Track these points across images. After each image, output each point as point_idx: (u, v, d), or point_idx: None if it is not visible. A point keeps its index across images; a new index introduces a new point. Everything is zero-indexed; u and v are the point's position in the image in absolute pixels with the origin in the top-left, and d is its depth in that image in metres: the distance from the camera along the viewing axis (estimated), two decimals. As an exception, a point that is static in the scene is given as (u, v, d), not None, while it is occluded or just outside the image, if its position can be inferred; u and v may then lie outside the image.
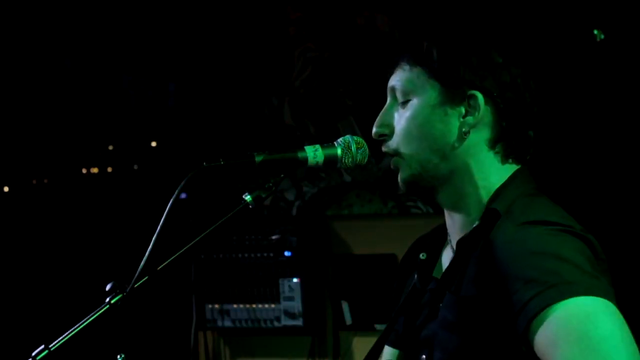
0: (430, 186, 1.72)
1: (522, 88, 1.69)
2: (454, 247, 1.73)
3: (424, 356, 1.71)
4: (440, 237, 1.83)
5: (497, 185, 1.69)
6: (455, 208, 1.73)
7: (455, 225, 1.74)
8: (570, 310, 1.40)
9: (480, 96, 1.67)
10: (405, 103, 1.73)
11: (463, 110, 1.68)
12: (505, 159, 1.70)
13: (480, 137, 1.69)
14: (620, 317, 1.41)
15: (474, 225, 1.67)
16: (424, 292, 1.78)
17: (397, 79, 1.74)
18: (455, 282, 1.65)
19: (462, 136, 1.68)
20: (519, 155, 1.71)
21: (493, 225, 1.61)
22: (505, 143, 1.70)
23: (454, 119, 1.69)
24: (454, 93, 1.68)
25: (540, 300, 1.42)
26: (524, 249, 1.50)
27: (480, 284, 1.57)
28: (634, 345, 1.38)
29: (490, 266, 1.54)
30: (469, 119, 1.68)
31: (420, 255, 1.80)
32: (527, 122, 1.70)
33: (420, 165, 1.70)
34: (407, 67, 1.73)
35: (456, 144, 1.69)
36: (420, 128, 1.70)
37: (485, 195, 1.69)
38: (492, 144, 1.69)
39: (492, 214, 1.63)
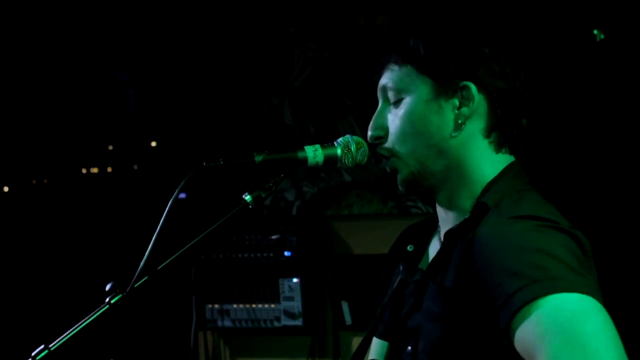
0: (429, 184, 1.73)
1: (512, 77, 1.70)
2: (442, 239, 1.73)
3: (409, 347, 1.71)
4: (429, 228, 1.84)
5: (490, 179, 1.69)
6: (450, 204, 1.73)
7: (447, 218, 1.75)
8: (556, 306, 1.39)
9: (473, 86, 1.68)
10: (397, 102, 1.73)
11: (457, 102, 1.69)
12: (499, 148, 1.71)
13: (475, 127, 1.70)
14: (606, 314, 1.40)
15: (464, 218, 1.67)
16: (409, 284, 1.78)
17: (387, 79, 1.75)
18: (440, 273, 1.66)
19: (458, 127, 1.68)
20: (513, 144, 1.72)
21: (481, 218, 1.61)
22: (499, 132, 1.71)
23: (449, 111, 1.70)
24: (446, 86, 1.69)
25: (523, 295, 1.42)
26: (509, 242, 1.50)
27: (464, 275, 1.57)
28: (620, 343, 1.37)
29: (475, 258, 1.54)
30: (464, 110, 1.69)
31: (408, 247, 1.81)
32: (521, 109, 1.71)
33: (419, 162, 1.71)
34: (395, 67, 1.73)
35: (453, 136, 1.69)
36: (415, 125, 1.70)
37: (478, 189, 1.69)
38: (487, 133, 1.71)
39: (481, 207, 1.64)
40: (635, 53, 3.52)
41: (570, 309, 1.39)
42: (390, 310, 1.82)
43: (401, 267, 1.81)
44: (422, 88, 1.70)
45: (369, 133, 1.76)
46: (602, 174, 3.57)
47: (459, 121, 1.68)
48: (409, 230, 1.90)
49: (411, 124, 1.70)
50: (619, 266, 3.40)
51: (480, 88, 1.69)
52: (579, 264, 1.47)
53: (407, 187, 1.74)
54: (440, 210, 1.77)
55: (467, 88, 1.68)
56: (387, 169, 1.76)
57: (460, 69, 1.68)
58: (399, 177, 1.74)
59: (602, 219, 3.48)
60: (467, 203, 1.70)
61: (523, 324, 1.41)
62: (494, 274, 1.48)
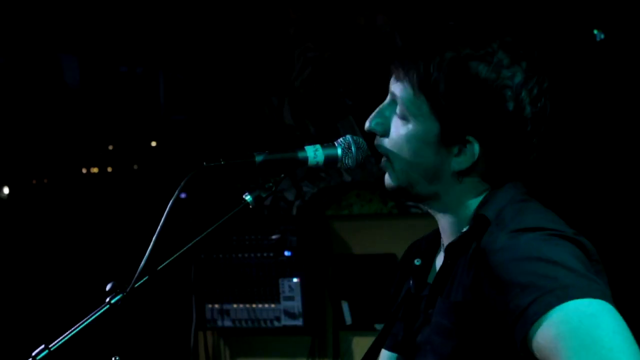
0: (414, 196, 1.73)
1: (526, 133, 1.65)
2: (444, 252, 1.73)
3: None
4: (434, 241, 1.83)
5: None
6: (444, 216, 1.73)
7: (445, 230, 1.74)
8: (570, 313, 1.40)
9: (476, 145, 1.64)
10: (402, 117, 1.70)
11: (456, 150, 1.66)
12: (497, 187, 1.69)
13: (470, 174, 1.68)
14: (620, 317, 1.41)
15: (463, 231, 1.67)
16: (418, 298, 1.78)
17: (400, 92, 1.69)
18: (446, 287, 1.66)
19: (452, 174, 1.67)
20: (512, 182, 1.70)
21: (483, 232, 1.60)
22: (497, 180, 1.68)
23: (446, 156, 1.66)
24: (450, 134, 1.65)
25: (538, 307, 1.42)
26: (517, 255, 1.49)
27: (472, 290, 1.57)
28: (635, 344, 1.39)
29: (483, 273, 1.53)
30: (462, 162, 1.66)
31: (415, 261, 1.80)
32: (522, 166, 1.68)
33: (408, 182, 1.70)
34: (411, 88, 1.67)
35: (445, 178, 1.68)
36: (412, 153, 1.68)
37: (474, 206, 1.69)
38: (484, 179, 1.68)
39: (481, 220, 1.63)
40: (635, 53, 3.52)
41: (584, 314, 1.40)
42: (401, 324, 1.82)
43: (411, 282, 1.81)
44: (430, 127, 1.66)
45: (367, 124, 1.74)
46: (602, 174, 3.57)
47: (454, 169, 1.66)
48: (415, 244, 1.90)
49: (408, 151, 1.68)
50: (621, 269, 3.39)
51: (484, 147, 1.64)
52: (587, 269, 1.48)
53: (392, 194, 1.74)
54: (438, 221, 1.77)
55: (470, 143, 1.64)
56: (380, 166, 1.75)
57: (471, 125, 1.63)
58: (385, 181, 1.74)
59: (604, 220, 3.47)
60: (463, 215, 1.69)
61: (540, 335, 1.42)
62: (505, 288, 1.48)
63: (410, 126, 1.68)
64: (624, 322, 1.41)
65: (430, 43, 1.67)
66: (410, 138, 1.68)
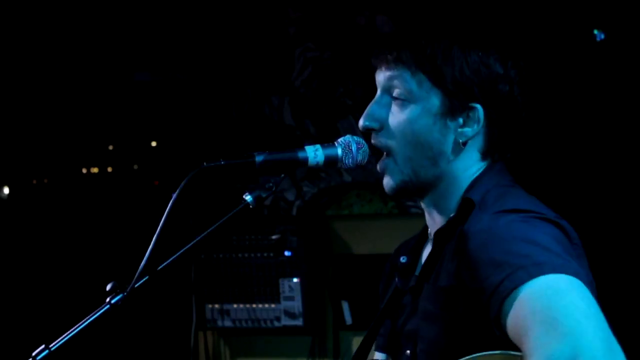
0: (416, 190, 1.75)
1: (516, 96, 1.70)
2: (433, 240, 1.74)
3: (408, 351, 1.71)
4: (420, 239, 1.85)
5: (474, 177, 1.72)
6: (436, 206, 1.75)
7: (434, 220, 1.76)
8: (537, 287, 1.41)
9: (480, 109, 1.68)
10: (402, 102, 1.72)
11: (461, 121, 1.69)
12: (492, 162, 1.73)
13: (473, 146, 1.71)
14: (586, 291, 1.40)
15: (450, 216, 1.69)
16: (405, 293, 1.78)
17: (395, 76, 1.73)
18: (433, 273, 1.67)
19: (460, 147, 1.69)
20: (504, 158, 1.74)
21: (468, 215, 1.63)
22: (497, 153, 1.72)
23: (452, 130, 1.70)
24: (455, 104, 1.68)
25: (510, 282, 1.43)
26: (495, 235, 1.52)
27: (456, 274, 1.59)
28: (600, 319, 1.37)
29: (465, 255, 1.55)
30: (467, 130, 1.69)
31: (401, 259, 1.81)
32: (517, 130, 1.72)
33: (413, 171, 1.71)
34: (407, 70, 1.72)
35: (451, 153, 1.70)
36: (417, 134, 1.70)
37: (462, 190, 1.72)
38: (484, 151, 1.72)
39: (467, 203, 1.66)
40: (635, 53, 3.52)
41: (547, 288, 1.40)
42: (389, 321, 1.82)
43: (396, 279, 1.81)
44: (433, 100, 1.70)
45: (362, 122, 1.75)
46: (602, 173, 3.57)
47: (461, 140, 1.69)
48: (402, 246, 1.92)
49: (413, 132, 1.70)
50: (609, 261, 3.40)
51: (486, 110, 1.69)
52: (564, 250, 1.49)
53: (396, 193, 1.75)
54: (427, 215, 1.79)
55: (474, 110, 1.69)
56: (379, 168, 1.76)
57: (473, 90, 1.68)
58: (390, 183, 1.75)
59: (604, 219, 3.47)
60: (452, 202, 1.72)
61: (510, 310, 1.43)
62: (482, 268, 1.49)
63: (412, 107, 1.71)
64: (591, 297, 1.40)
65: (416, 28, 1.73)
66: (413, 119, 1.70)
